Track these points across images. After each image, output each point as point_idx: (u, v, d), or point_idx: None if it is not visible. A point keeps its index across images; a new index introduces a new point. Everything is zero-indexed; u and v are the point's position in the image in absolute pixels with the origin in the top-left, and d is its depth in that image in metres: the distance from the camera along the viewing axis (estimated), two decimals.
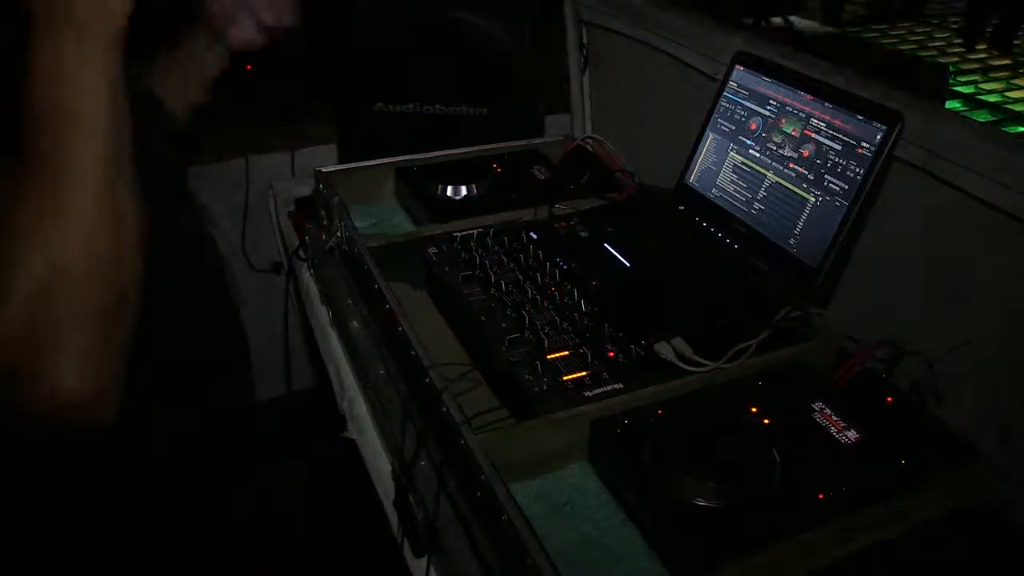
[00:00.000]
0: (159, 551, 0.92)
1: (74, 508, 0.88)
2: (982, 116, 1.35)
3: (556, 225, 1.28)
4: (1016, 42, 1.80)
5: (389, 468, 1.05)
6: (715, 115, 1.28)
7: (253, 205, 2.04)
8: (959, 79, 1.57)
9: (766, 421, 0.91)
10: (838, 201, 1.04)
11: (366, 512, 1.14)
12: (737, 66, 1.25)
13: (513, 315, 1.07)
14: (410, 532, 0.98)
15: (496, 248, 1.24)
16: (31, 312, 0.66)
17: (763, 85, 1.20)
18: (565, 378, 0.96)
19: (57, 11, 0.68)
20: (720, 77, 1.28)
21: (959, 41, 1.86)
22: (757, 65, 1.22)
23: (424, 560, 0.94)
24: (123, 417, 0.81)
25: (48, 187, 0.68)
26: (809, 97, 1.12)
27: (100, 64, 0.70)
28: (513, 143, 1.68)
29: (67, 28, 0.68)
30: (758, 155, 1.19)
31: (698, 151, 1.30)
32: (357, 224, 1.34)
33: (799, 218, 1.09)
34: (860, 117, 1.04)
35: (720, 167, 1.25)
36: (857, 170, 1.03)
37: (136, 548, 0.91)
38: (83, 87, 0.69)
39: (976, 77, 1.59)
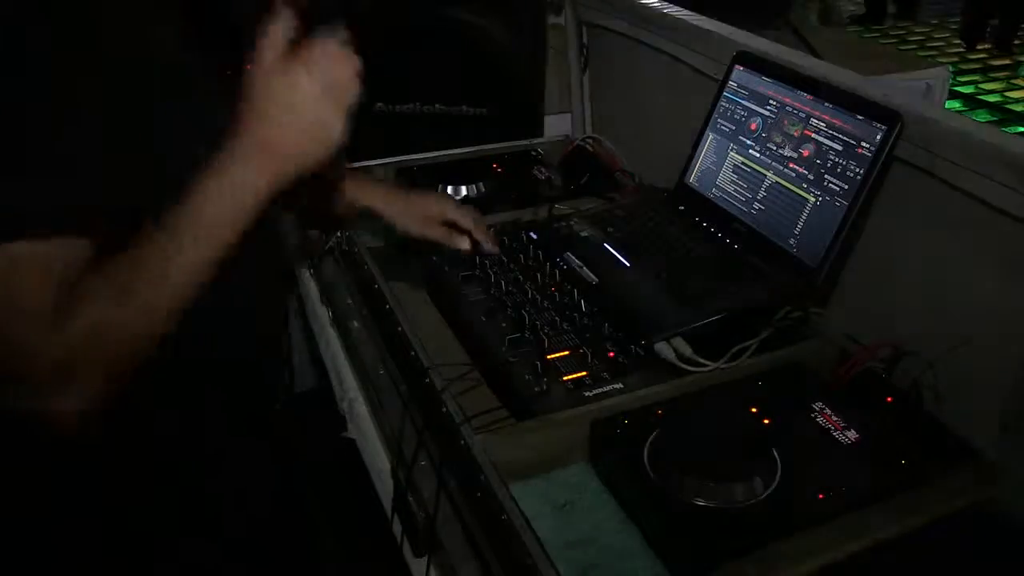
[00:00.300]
0: (158, 552, 0.92)
1: (76, 509, 0.88)
2: (982, 116, 1.35)
3: (556, 225, 1.28)
4: (1016, 42, 1.80)
5: (389, 468, 1.05)
6: (715, 115, 1.27)
7: None
8: (959, 79, 1.57)
9: (766, 421, 0.91)
10: (838, 201, 1.04)
11: (366, 512, 1.14)
12: (737, 66, 1.25)
13: (513, 315, 1.07)
14: (410, 532, 0.98)
15: None
16: (79, 346, 0.69)
17: (763, 85, 1.20)
18: (565, 378, 0.96)
19: (271, 146, 0.73)
20: (720, 77, 1.28)
21: (959, 41, 1.86)
22: (757, 65, 1.22)
23: (424, 560, 0.94)
24: (130, 417, 0.81)
25: (165, 262, 0.71)
26: (809, 97, 1.12)
27: (268, 193, 0.74)
28: (513, 143, 1.68)
29: (268, 163, 0.73)
30: (758, 155, 1.19)
31: (698, 151, 1.30)
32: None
33: (799, 218, 1.09)
34: (860, 117, 1.04)
35: (720, 167, 1.25)
36: (857, 170, 1.03)
37: (136, 549, 0.91)
38: (242, 208, 0.73)
39: (976, 77, 1.59)
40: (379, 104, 1.70)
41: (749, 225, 1.17)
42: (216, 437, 0.93)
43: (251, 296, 0.92)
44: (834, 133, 1.07)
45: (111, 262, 0.70)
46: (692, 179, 1.30)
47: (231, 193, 0.72)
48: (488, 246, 1.20)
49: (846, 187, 1.04)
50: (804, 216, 1.09)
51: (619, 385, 0.95)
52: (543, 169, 1.54)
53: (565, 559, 0.79)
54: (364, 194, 1.22)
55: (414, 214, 1.21)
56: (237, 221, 0.73)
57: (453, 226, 1.21)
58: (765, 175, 1.17)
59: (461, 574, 0.87)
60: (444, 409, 0.93)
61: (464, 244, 1.20)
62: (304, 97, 0.73)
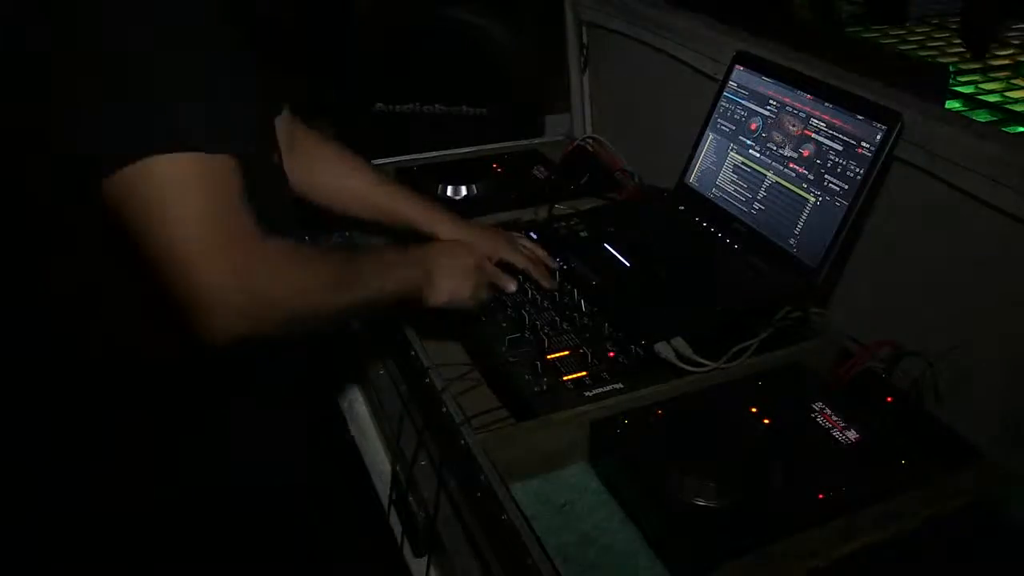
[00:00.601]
0: (160, 552, 0.92)
1: (76, 510, 0.89)
2: (982, 116, 1.34)
3: (556, 225, 1.28)
4: (1016, 41, 1.80)
5: (389, 468, 1.05)
6: (715, 115, 1.28)
7: None
8: (959, 79, 1.56)
9: (766, 421, 0.92)
10: (838, 201, 1.04)
11: (366, 512, 1.14)
12: (737, 66, 1.25)
13: (513, 315, 1.07)
14: (410, 532, 0.98)
15: None
16: (267, 270, 0.76)
17: (763, 85, 1.20)
18: (565, 378, 0.96)
19: (429, 277, 0.99)
20: (720, 77, 1.28)
21: (959, 41, 1.86)
22: (757, 65, 1.22)
23: (424, 560, 0.94)
24: (130, 416, 0.81)
25: (351, 269, 0.89)
26: (809, 97, 1.12)
27: (415, 295, 0.98)
28: (513, 143, 1.68)
29: (423, 287, 0.98)
30: (758, 155, 1.19)
31: (698, 151, 1.30)
32: None
33: (799, 218, 1.09)
34: (860, 117, 1.04)
35: (720, 167, 1.25)
36: (857, 170, 1.03)
37: (137, 548, 0.92)
38: (403, 287, 0.96)
39: (976, 77, 1.59)
40: (379, 104, 1.70)
41: (749, 225, 1.17)
42: (218, 437, 0.93)
43: None
44: (834, 133, 1.07)
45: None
46: (692, 179, 1.30)
47: (402, 275, 0.97)
48: (544, 283, 1.14)
49: (846, 187, 1.04)
50: (804, 216, 1.09)
51: (619, 385, 0.95)
52: (543, 169, 1.54)
53: (565, 559, 0.80)
54: (429, 222, 1.19)
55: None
56: (397, 290, 0.95)
57: (507, 266, 1.15)
58: (765, 175, 1.17)
59: (461, 574, 0.87)
60: (444, 409, 0.93)
61: (510, 287, 1.13)
62: (456, 273, 1.01)
